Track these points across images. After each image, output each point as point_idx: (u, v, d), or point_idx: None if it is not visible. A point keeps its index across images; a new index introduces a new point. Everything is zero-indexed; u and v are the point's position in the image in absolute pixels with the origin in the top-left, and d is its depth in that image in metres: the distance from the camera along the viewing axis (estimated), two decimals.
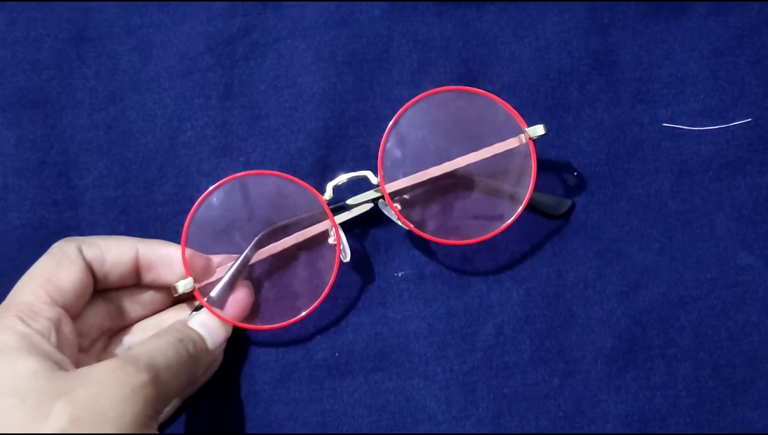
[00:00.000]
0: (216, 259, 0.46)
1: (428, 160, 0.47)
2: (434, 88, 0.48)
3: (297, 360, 0.47)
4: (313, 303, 0.46)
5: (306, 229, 0.47)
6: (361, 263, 0.49)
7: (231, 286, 0.46)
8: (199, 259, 0.45)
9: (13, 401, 0.36)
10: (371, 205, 0.47)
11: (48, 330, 0.40)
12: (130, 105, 0.50)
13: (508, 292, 0.48)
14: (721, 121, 0.50)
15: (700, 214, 0.49)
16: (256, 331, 0.48)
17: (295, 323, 0.46)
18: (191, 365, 0.42)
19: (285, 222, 0.47)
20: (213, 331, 0.44)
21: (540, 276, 0.48)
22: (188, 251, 0.45)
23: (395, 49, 0.51)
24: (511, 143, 0.47)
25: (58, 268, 0.42)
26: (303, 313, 0.46)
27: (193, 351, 0.42)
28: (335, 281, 0.46)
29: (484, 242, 0.47)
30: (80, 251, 0.43)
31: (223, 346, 0.45)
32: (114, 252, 0.44)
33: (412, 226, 0.46)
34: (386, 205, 0.47)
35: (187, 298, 0.47)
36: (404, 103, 0.47)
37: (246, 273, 0.47)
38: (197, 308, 0.45)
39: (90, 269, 0.43)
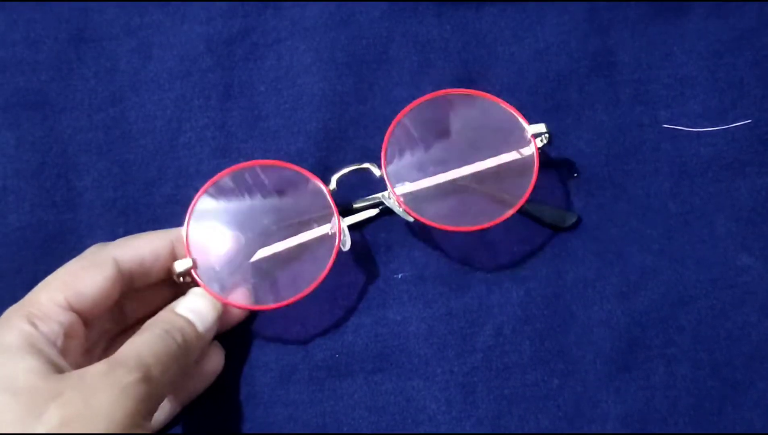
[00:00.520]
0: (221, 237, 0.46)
1: (432, 157, 0.48)
2: (434, 89, 0.48)
3: (297, 361, 0.47)
4: (309, 287, 0.46)
5: (308, 218, 0.47)
6: (361, 264, 0.49)
7: (230, 271, 0.46)
8: (205, 236, 0.45)
9: (7, 398, 0.36)
10: (377, 210, 0.48)
11: (56, 334, 0.40)
12: (130, 106, 0.51)
13: (507, 293, 0.48)
14: (720, 123, 0.50)
15: (700, 215, 0.49)
16: (257, 328, 0.48)
17: (294, 323, 0.46)
18: (181, 355, 0.41)
19: (288, 212, 0.47)
20: (201, 312, 0.43)
21: (539, 277, 0.48)
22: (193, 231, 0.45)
23: (395, 50, 0.51)
24: (516, 150, 0.47)
25: (82, 274, 0.42)
26: (296, 296, 0.46)
27: (182, 340, 0.41)
28: (335, 280, 0.46)
29: (483, 243, 0.47)
30: (114, 259, 0.42)
31: (215, 329, 0.44)
32: (149, 249, 0.44)
33: (415, 214, 0.46)
34: (389, 198, 0.47)
35: None
36: (404, 104, 0.47)
37: (247, 260, 0.47)
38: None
39: (123, 276, 0.43)
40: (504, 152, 0.47)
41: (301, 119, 0.50)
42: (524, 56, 0.51)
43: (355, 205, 0.48)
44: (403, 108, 0.48)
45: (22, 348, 0.38)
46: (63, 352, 0.40)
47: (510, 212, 0.47)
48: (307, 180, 0.47)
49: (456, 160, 0.48)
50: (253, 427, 0.47)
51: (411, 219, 0.46)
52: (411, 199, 0.47)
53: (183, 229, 0.45)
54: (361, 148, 0.50)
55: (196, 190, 0.47)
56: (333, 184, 0.46)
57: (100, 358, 0.43)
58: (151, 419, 0.39)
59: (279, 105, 0.51)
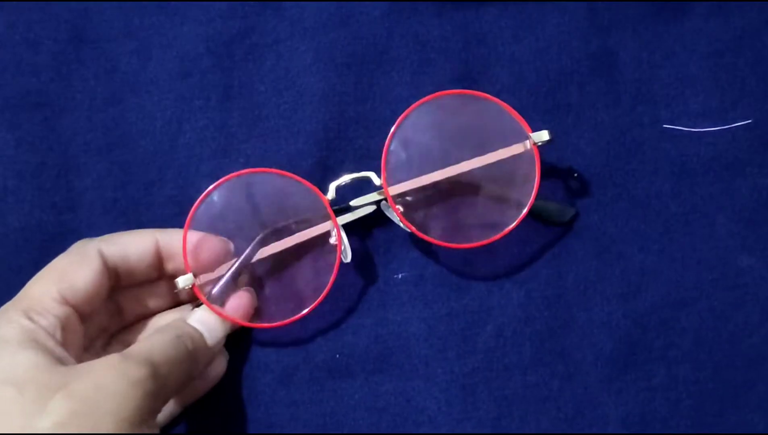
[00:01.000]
0: (220, 243, 0.46)
1: (431, 163, 0.47)
2: (434, 89, 0.48)
3: (297, 362, 0.47)
4: (313, 303, 0.46)
5: (308, 230, 0.47)
6: (362, 265, 0.49)
7: (232, 284, 0.46)
8: (204, 242, 0.45)
9: (12, 391, 0.36)
10: (374, 207, 0.47)
11: (53, 327, 0.40)
12: (130, 107, 0.50)
13: (508, 294, 0.48)
14: (721, 123, 0.50)
15: (701, 215, 0.49)
16: (257, 330, 0.48)
17: (294, 324, 0.46)
18: (190, 361, 0.42)
19: (287, 222, 0.47)
20: (211, 327, 0.44)
21: (540, 278, 0.48)
22: (192, 235, 0.45)
23: (395, 50, 0.51)
24: (516, 149, 0.47)
25: (74, 268, 0.42)
26: (302, 313, 0.46)
27: (192, 347, 0.42)
28: (335, 281, 0.46)
29: (484, 245, 0.47)
30: (100, 252, 0.43)
31: (222, 343, 0.45)
32: (135, 246, 0.44)
33: (414, 228, 0.46)
34: (389, 207, 0.47)
35: (189, 300, 0.47)
36: (404, 104, 0.47)
37: (247, 272, 0.47)
38: (197, 306, 0.45)
39: (109, 269, 0.43)
40: (505, 159, 0.47)
41: (301, 119, 0.50)
42: (524, 56, 0.51)
43: (352, 204, 0.48)
44: (403, 108, 0.48)
45: (22, 342, 0.38)
46: (63, 345, 0.40)
47: (511, 227, 0.46)
48: (305, 189, 0.46)
49: (456, 169, 0.47)
50: (253, 428, 0.47)
51: (410, 232, 0.46)
52: (411, 207, 0.47)
53: (181, 234, 0.45)
54: (361, 148, 0.50)
55: (196, 190, 0.47)
56: (331, 194, 0.46)
57: (99, 355, 0.44)
58: (156, 419, 0.39)
59: (279, 105, 0.50)
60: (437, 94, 0.47)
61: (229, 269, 0.46)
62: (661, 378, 0.47)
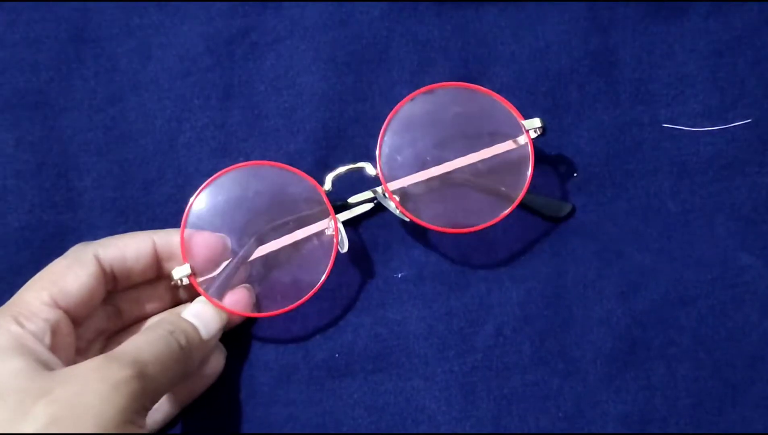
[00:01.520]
0: (216, 238, 0.46)
1: (427, 155, 0.47)
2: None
3: (296, 361, 0.47)
4: (310, 292, 0.46)
5: (305, 221, 0.47)
6: (360, 264, 0.49)
7: (229, 277, 0.46)
8: (201, 238, 0.45)
9: None
10: (372, 205, 0.47)
11: (43, 331, 0.40)
12: (130, 106, 0.50)
13: (507, 293, 0.48)
14: (720, 122, 0.50)
15: (700, 214, 0.49)
16: (256, 328, 0.48)
17: (293, 322, 0.46)
18: (183, 357, 0.41)
19: (284, 215, 0.47)
20: (207, 320, 0.44)
21: (539, 276, 0.48)
22: (188, 232, 0.45)
23: (395, 49, 0.51)
24: (511, 144, 0.47)
25: (66, 272, 0.42)
26: (297, 302, 0.46)
27: (185, 343, 0.41)
28: (335, 280, 0.46)
29: (483, 242, 0.47)
30: (96, 256, 0.43)
31: (218, 336, 0.45)
32: (132, 248, 0.44)
33: (411, 215, 0.46)
34: (386, 198, 0.47)
35: (188, 300, 0.47)
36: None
37: (245, 265, 0.47)
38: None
39: (106, 273, 0.43)
40: (498, 145, 0.47)
41: (300, 119, 0.50)
42: (524, 55, 0.51)
43: (350, 201, 0.48)
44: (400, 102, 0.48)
45: (9, 348, 0.38)
46: (52, 349, 0.40)
47: (507, 211, 0.47)
48: (302, 180, 0.46)
49: (451, 155, 0.47)
50: (252, 427, 0.47)
51: (407, 219, 0.46)
52: (407, 197, 0.47)
53: (178, 235, 0.45)
54: (361, 147, 0.50)
55: (196, 189, 0.47)
56: (328, 185, 0.46)
57: None
58: (145, 416, 0.39)
59: (279, 105, 0.50)
60: (431, 86, 0.47)
61: (227, 263, 0.46)
62: (661, 376, 0.47)
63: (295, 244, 0.47)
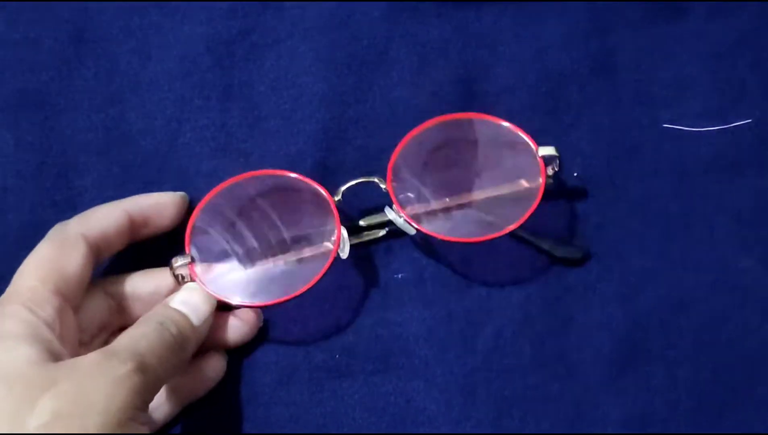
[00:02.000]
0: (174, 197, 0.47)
1: (439, 179, 0.48)
2: (434, 89, 0.49)
3: (297, 362, 0.47)
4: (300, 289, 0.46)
5: (310, 225, 0.47)
6: (362, 265, 0.49)
7: (227, 269, 0.46)
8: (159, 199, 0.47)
9: (2, 389, 0.36)
10: (384, 231, 0.48)
11: (53, 320, 0.40)
12: (130, 106, 0.50)
13: (507, 295, 0.48)
14: (721, 123, 0.50)
15: (700, 216, 0.49)
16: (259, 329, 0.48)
17: (294, 323, 0.47)
18: (176, 347, 0.41)
19: (290, 220, 0.47)
20: (196, 306, 0.44)
21: (540, 279, 0.48)
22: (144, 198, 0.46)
23: (395, 50, 0.51)
24: (528, 181, 0.47)
25: (61, 255, 0.42)
26: (286, 296, 0.45)
27: (177, 332, 0.41)
28: (335, 281, 0.46)
29: (483, 244, 0.47)
30: (81, 236, 0.43)
31: (210, 321, 0.45)
32: (110, 223, 0.44)
33: (420, 226, 0.46)
34: (394, 211, 0.46)
35: None
36: (404, 105, 0.48)
37: (244, 260, 0.47)
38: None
39: (92, 251, 0.43)
40: (512, 178, 0.48)
41: (300, 119, 0.50)
42: (524, 56, 0.51)
43: (362, 223, 0.48)
44: (402, 109, 0.48)
45: (22, 336, 0.38)
46: (60, 338, 0.40)
47: (510, 227, 0.46)
48: (313, 189, 0.46)
49: (462, 182, 0.48)
50: (253, 428, 0.47)
51: (413, 232, 0.46)
52: (418, 217, 0.47)
53: (146, 200, 0.46)
54: (361, 148, 0.50)
55: (196, 190, 0.47)
56: (339, 196, 0.46)
57: None
58: (147, 409, 0.39)
59: (279, 105, 0.50)
60: (442, 118, 0.48)
61: (227, 258, 0.46)
62: (661, 379, 0.47)
63: (297, 247, 0.47)
